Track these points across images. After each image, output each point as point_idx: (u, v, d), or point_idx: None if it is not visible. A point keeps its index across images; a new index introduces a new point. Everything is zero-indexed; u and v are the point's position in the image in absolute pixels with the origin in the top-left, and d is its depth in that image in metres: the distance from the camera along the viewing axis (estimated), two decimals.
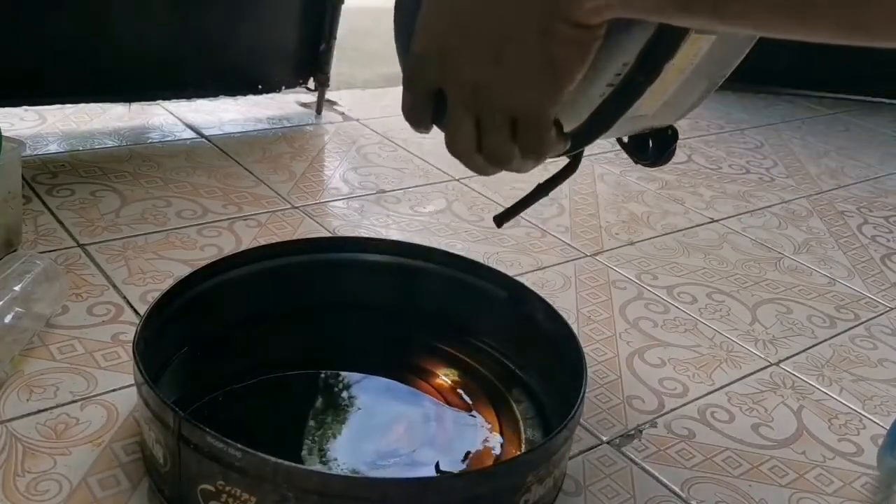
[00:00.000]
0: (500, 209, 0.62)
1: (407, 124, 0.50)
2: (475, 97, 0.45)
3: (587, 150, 0.55)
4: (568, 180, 0.60)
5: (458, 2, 0.44)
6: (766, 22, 0.37)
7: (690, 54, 0.48)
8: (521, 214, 0.62)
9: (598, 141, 0.53)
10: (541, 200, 0.60)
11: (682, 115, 0.57)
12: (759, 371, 0.82)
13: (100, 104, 1.19)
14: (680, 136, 0.59)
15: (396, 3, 0.57)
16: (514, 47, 0.42)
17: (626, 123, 0.52)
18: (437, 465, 0.62)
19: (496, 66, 0.43)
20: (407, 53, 0.52)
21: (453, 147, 0.48)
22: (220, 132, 1.20)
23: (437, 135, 0.49)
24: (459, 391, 0.70)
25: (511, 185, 1.09)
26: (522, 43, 0.42)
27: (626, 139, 0.60)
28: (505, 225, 0.62)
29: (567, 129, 0.48)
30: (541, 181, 0.60)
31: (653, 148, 0.59)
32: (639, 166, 0.61)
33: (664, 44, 0.46)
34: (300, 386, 0.70)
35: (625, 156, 0.61)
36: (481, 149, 0.47)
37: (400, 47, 0.56)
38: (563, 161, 0.58)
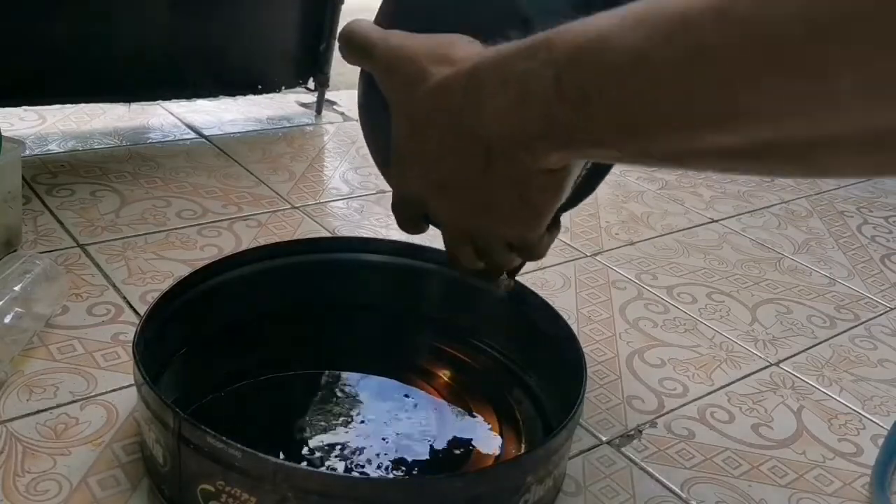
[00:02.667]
0: None
1: None
2: (467, 234, 0.48)
3: None
4: None
5: (430, 163, 0.46)
6: (698, 167, 0.39)
7: None
8: None
9: None
10: None
11: None
12: (759, 371, 0.82)
13: (100, 104, 1.19)
14: None
15: (361, 117, 0.58)
16: (493, 199, 0.44)
17: None
18: (436, 466, 0.62)
19: (481, 214, 0.46)
20: (384, 168, 0.55)
21: (456, 265, 0.51)
22: (220, 132, 1.20)
23: None
24: (459, 391, 0.70)
25: None
26: (501, 195, 0.44)
27: None
28: None
29: None
30: None
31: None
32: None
33: None
34: (300, 386, 0.70)
35: None
36: (481, 259, 0.50)
37: (376, 161, 0.59)
38: None
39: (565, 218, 1.08)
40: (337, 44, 0.52)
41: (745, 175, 0.40)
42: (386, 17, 0.53)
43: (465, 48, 0.44)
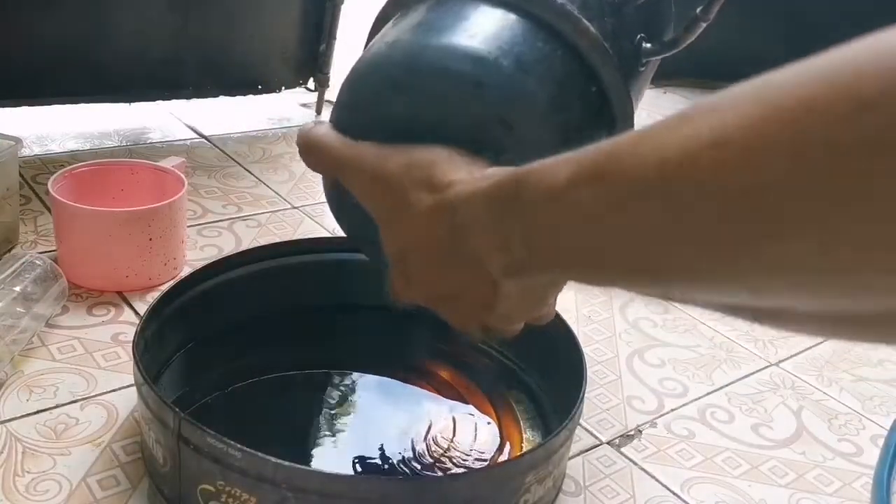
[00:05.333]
0: None
1: None
2: (477, 325, 0.49)
3: None
4: None
5: (433, 280, 0.46)
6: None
7: None
8: None
9: None
10: None
11: None
12: (759, 371, 0.82)
13: (100, 104, 1.19)
14: None
15: (333, 210, 0.54)
16: (504, 306, 0.45)
17: None
18: (436, 465, 0.62)
19: (491, 314, 0.46)
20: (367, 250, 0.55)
21: (474, 340, 0.54)
22: (220, 132, 1.20)
23: None
24: (459, 391, 0.70)
25: None
26: (511, 301, 0.45)
27: None
28: None
29: None
30: None
31: None
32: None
33: None
34: (300, 386, 0.70)
35: None
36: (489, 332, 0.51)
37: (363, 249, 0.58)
38: None
39: None
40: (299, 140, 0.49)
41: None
42: (351, 126, 0.46)
43: (445, 171, 0.43)
